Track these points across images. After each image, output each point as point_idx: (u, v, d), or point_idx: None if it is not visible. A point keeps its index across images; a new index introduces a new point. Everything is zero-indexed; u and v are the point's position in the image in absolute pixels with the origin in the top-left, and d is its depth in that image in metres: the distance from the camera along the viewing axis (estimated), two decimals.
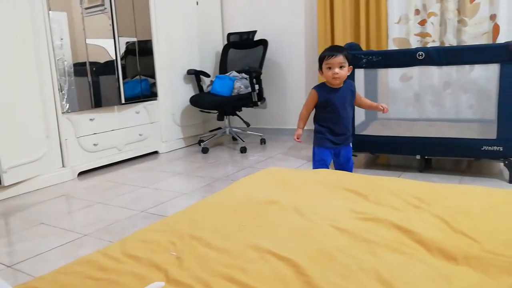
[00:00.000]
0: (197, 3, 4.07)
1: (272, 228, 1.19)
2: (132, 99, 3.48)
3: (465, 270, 0.91)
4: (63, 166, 3.02)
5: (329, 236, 1.12)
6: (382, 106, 2.30)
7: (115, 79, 3.34)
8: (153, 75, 3.67)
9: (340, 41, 3.61)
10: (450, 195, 1.42)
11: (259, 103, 3.73)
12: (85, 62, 3.11)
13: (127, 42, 3.42)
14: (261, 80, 3.76)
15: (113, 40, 3.29)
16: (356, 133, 2.81)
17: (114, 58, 3.31)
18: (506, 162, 2.43)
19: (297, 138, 2.32)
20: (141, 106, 3.58)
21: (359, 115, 2.96)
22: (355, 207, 1.33)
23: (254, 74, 3.65)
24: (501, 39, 3.03)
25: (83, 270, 1.01)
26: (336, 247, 1.04)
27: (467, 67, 3.10)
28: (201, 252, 1.06)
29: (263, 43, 4.00)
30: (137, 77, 3.54)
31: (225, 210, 1.36)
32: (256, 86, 3.68)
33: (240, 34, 4.17)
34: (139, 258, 1.04)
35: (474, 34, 3.15)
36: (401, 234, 1.09)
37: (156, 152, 3.77)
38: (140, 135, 3.57)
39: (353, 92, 2.27)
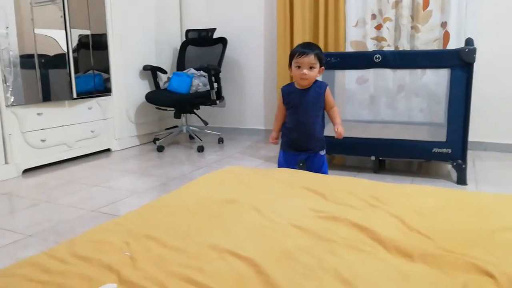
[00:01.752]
0: None
1: (231, 228, 1.16)
2: (85, 94, 3.33)
3: (422, 268, 0.92)
4: (6, 162, 2.83)
5: (289, 235, 1.11)
6: (337, 129, 2.10)
7: (66, 72, 3.18)
8: (107, 70, 3.53)
9: (299, 42, 3.62)
10: (405, 195, 1.45)
11: (217, 101, 3.68)
12: (33, 54, 2.93)
13: (80, 35, 3.27)
14: (220, 78, 3.72)
15: (64, 32, 3.13)
16: None
17: (66, 51, 3.15)
18: (454, 163, 2.54)
19: (272, 140, 2.19)
20: (94, 102, 3.44)
21: None
22: (314, 205, 1.33)
23: (213, 72, 3.60)
24: (451, 45, 3.16)
25: (26, 272, 0.93)
26: (296, 246, 1.03)
27: (419, 71, 3.22)
28: (156, 252, 1.01)
29: (223, 41, 3.96)
30: (90, 71, 3.39)
31: (182, 210, 1.32)
32: (215, 84, 3.63)
33: (199, 31, 4.11)
34: (88, 259, 0.98)
35: (426, 40, 3.28)
36: (359, 233, 1.10)
37: (108, 150, 3.63)
38: (92, 131, 3.42)
39: (321, 95, 2.06)
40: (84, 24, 3.30)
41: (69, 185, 2.65)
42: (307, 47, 1.99)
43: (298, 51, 1.97)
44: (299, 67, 1.98)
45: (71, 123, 3.25)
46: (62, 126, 3.18)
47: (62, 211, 2.20)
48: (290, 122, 2.11)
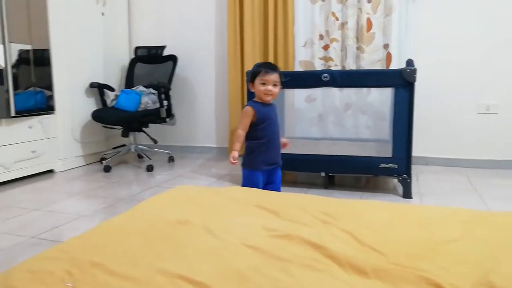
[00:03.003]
0: (102, 14, 3.87)
1: (182, 250, 1.12)
2: (25, 112, 3.15)
3: (375, 283, 0.93)
4: None
5: (241, 255, 1.08)
6: (285, 140, 2.32)
7: (3, 89, 2.99)
8: (50, 87, 3.37)
9: (249, 62, 3.67)
10: (355, 210, 1.48)
11: (167, 119, 3.62)
12: None
13: (20, 50, 3.11)
14: (170, 96, 3.66)
15: (2, 46, 2.96)
16: None
17: (4, 66, 2.98)
18: (400, 178, 2.64)
19: (233, 160, 2.13)
20: (35, 120, 3.26)
21: None
22: (267, 224, 1.32)
23: (163, 89, 3.54)
24: (393, 66, 3.33)
25: None
26: (249, 266, 1.01)
27: (365, 90, 3.35)
28: (102, 280, 0.95)
29: (173, 58, 3.92)
30: (32, 88, 3.22)
31: (130, 233, 1.26)
32: (165, 102, 3.57)
33: (149, 48, 4.04)
34: None
35: (371, 61, 3.42)
36: (313, 250, 1.09)
37: (51, 171, 3.44)
38: (33, 152, 3.23)
39: (276, 110, 2.26)
40: (24, 38, 3.14)
41: (6, 210, 2.47)
42: (272, 67, 2.16)
43: (263, 70, 2.12)
44: (263, 84, 2.11)
45: (9, 143, 3.05)
46: None
47: None
48: (264, 137, 2.17)
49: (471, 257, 1.05)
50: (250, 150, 2.19)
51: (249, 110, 2.13)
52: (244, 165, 2.22)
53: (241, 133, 2.16)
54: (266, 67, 2.14)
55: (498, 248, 1.10)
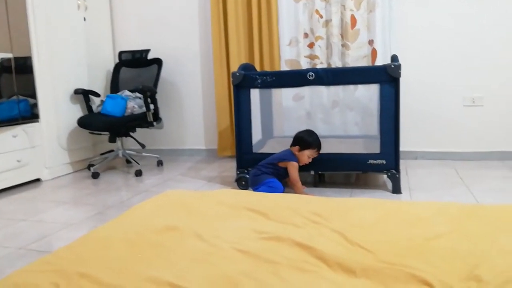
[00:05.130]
0: (84, 19, 3.82)
1: (172, 257, 1.11)
2: (8, 122, 3.10)
3: (364, 283, 0.93)
4: None
5: (232, 260, 1.08)
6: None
7: None
8: (33, 95, 3.32)
9: (235, 62, 3.66)
10: (344, 209, 1.48)
11: (154, 123, 3.59)
12: None
13: (1, 59, 3.06)
14: (157, 99, 3.63)
15: None
16: (253, 151, 2.84)
17: None
18: (389, 174, 2.65)
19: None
20: (19, 129, 3.20)
21: (257, 133, 3.01)
22: (257, 226, 1.31)
23: (149, 93, 3.51)
24: (378, 62, 3.34)
25: None
26: (239, 271, 1.00)
27: (352, 87, 3.36)
28: None
29: (158, 62, 3.88)
30: (14, 97, 3.17)
31: (119, 241, 1.24)
32: (151, 106, 3.54)
33: (133, 52, 4.00)
34: None
35: (356, 57, 3.44)
36: (303, 252, 1.09)
37: (38, 180, 3.39)
38: (18, 161, 3.18)
39: None
40: (5, 47, 3.09)
41: None
42: (320, 147, 2.62)
43: (318, 148, 2.60)
44: (309, 157, 2.60)
45: None
46: None
47: None
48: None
49: (459, 252, 1.05)
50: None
51: (296, 165, 2.58)
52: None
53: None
54: (319, 146, 2.60)
55: (485, 242, 1.11)
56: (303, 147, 2.58)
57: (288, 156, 2.60)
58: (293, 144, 2.64)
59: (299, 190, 2.57)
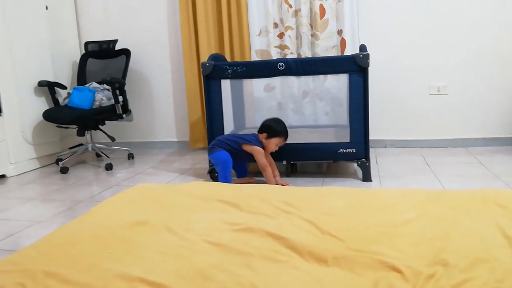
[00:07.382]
0: (46, 8, 3.68)
1: (142, 252, 1.09)
2: None
3: (335, 271, 0.95)
4: None
5: (203, 253, 1.07)
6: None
7: None
8: None
9: (205, 52, 3.62)
10: (315, 198, 1.50)
11: (124, 115, 3.51)
12: None
13: None
14: (125, 91, 3.56)
15: None
16: None
17: None
18: (359, 162, 2.70)
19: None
20: None
21: (228, 124, 3.00)
22: (228, 218, 1.31)
23: (117, 85, 3.43)
24: (347, 52, 3.38)
25: None
26: (211, 264, 1.00)
27: (321, 77, 3.39)
28: None
29: (126, 52, 3.79)
30: None
31: (87, 237, 1.22)
32: (120, 98, 3.46)
33: (100, 43, 3.89)
34: None
35: (325, 47, 3.46)
36: (274, 242, 1.10)
37: (3, 176, 3.27)
38: None
39: None
40: None
41: None
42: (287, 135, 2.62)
43: (285, 137, 2.59)
44: (277, 144, 2.58)
45: None
46: None
47: None
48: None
49: (425, 237, 1.09)
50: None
51: (262, 151, 2.58)
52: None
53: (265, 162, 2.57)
54: (287, 135, 2.59)
55: (450, 226, 1.15)
56: (270, 135, 2.56)
57: (254, 141, 2.57)
58: (260, 131, 2.62)
59: (269, 175, 2.56)
